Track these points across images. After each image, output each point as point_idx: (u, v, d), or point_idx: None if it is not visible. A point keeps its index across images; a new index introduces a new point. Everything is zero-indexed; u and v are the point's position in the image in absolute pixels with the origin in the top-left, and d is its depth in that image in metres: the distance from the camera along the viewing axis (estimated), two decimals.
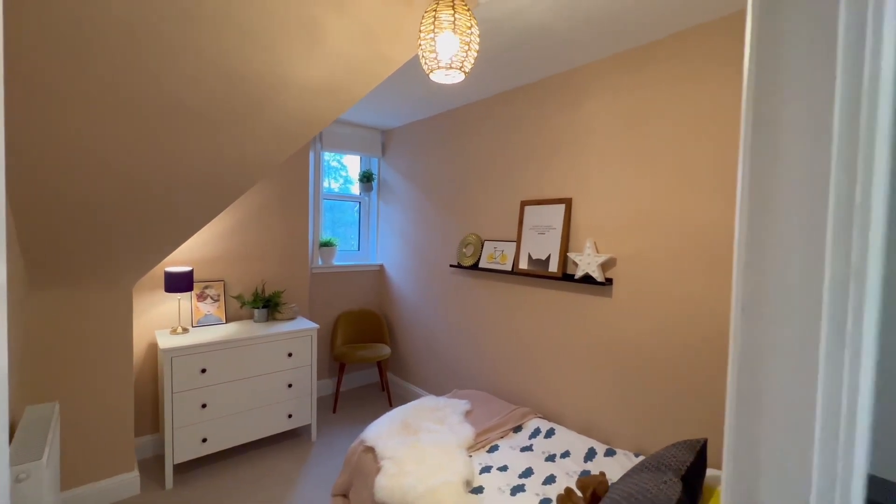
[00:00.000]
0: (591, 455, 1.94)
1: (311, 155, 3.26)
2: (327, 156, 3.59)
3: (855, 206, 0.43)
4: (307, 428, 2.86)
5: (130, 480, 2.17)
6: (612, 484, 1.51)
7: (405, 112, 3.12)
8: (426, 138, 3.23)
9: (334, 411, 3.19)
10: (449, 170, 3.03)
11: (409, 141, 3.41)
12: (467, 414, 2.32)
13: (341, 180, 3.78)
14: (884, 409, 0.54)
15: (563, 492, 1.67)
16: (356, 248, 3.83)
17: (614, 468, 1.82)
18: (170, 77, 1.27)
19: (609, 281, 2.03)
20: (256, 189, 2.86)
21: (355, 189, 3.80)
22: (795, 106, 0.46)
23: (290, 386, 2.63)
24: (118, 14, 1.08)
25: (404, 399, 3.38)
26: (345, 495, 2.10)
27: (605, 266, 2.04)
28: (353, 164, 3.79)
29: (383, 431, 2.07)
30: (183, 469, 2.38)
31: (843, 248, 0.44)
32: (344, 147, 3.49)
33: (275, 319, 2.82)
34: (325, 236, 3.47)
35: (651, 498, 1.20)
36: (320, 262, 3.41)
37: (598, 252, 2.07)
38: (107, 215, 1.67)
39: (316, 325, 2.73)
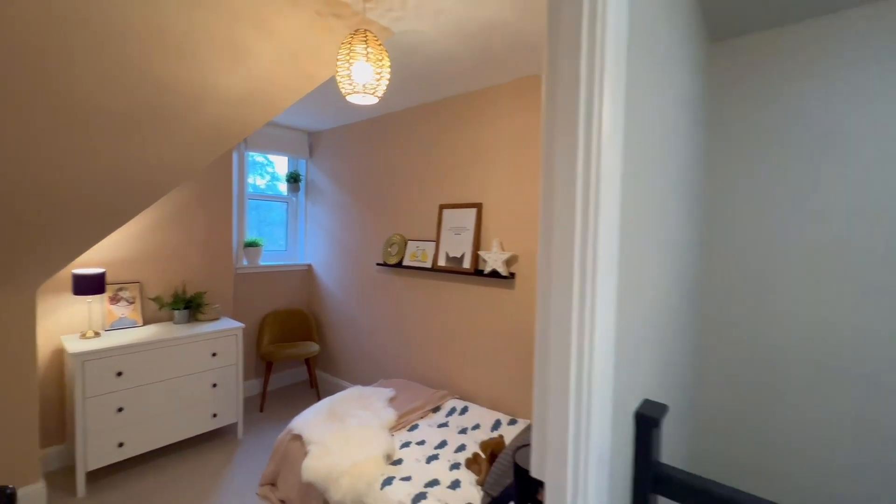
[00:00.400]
0: (497, 425, 2.25)
1: (235, 155, 3.25)
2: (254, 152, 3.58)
3: (589, 225, 0.71)
4: (233, 426, 2.88)
5: (35, 492, 2.08)
6: (508, 443, 1.82)
7: (332, 116, 3.24)
8: (353, 142, 3.38)
9: (261, 410, 3.22)
10: (374, 173, 3.21)
11: (336, 144, 3.53)
12: (391, 400, 2.52)
13: (268, 177, 3.77)
14: (620, 343, 0.84)
15: (470, 456, 1.95)
16: (284, 248, 3.85)
17: (514, 433, 2.14)
18: (89, 79, 1.32)
19: (512, 275, 2.35)
20: (176, 189, 2.81)
21: (282, 187, 3.82)
22: (562, 143, 0.74)
23: (214, 386, 2.64)
24: (46, 17, 1.13)
25: (333, 393, 3.49)
26: (272, 484, 2.21)
27: (509, 262, 2.37)
28: (280, 163, 3.81)
29: (310, 420, 2.21)
30: (98, 476, 2.31)
31: (586, 251, 0.72)
32: (270, 148, 3.51)
33: (197, 320, 2.80)
34: (250, 236, 3.47)
35: (523, 440, 1.50)
36: (245, 263, 3.41)
37: (503, 250, 2.39)
38: (10, 208, 1.62)
39: (241, 325, 2.77)
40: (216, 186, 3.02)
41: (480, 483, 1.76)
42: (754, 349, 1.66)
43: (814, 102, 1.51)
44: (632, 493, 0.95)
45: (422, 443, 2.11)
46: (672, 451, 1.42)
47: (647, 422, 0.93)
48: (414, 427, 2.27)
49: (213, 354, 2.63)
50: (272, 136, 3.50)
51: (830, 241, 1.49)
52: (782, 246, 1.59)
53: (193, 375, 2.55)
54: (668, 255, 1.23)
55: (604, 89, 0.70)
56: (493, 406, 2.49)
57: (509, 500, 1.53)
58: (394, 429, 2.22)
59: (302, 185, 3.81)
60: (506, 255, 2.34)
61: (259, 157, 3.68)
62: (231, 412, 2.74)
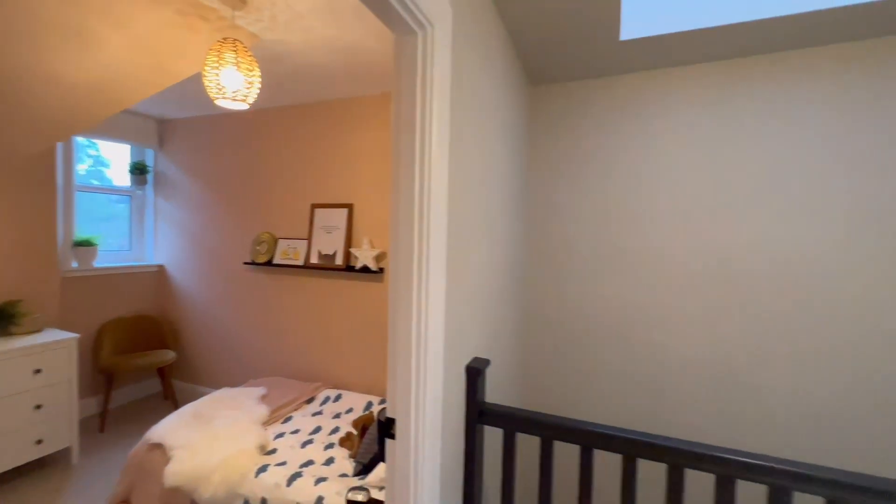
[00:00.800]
0: (368, 407, 2.48)
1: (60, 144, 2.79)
2: (81, 140, 3.09)
3: (423, 226, 1.00)
4: (66, 452, 2.51)
5: None
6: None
7: (189, 105, 3.03)
8: (215, 135, 3.20)
9: (102, 430, 2.85)
10: (241, 170, 3.11)
11: (194, 135, 3.29)
12: (263, 398, 2.54)
13: (90, 161, 3.24)
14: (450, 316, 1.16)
15: (343, 434, 2.14)
16: (127, 247, 3.41)
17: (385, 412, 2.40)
18: None
19: (381, 270, 2.60)
20: None
21: (112, 175, 3.38)
22: (403, 161, 1.01)
23: (38, 407, 2.29)
24: None
25: None
26: (125, 502, 2.06)
27: (378, 258, 2.61)
28: (119, 152, 3.35)
29: (172, 426, 2.12)
30: None
31: (422, 248, 1.00)
32: (108, 134, 3.09)
33: (11, 334, 2.37)
34: (81, 234, 3.01)
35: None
36: (75, 265, 2.95)
37: (373, 247, 2.62)
38: None
39: (74, 336, 2.44)
40: (33, 175, 2.57)
41: (353, 456, 1.97)
42: (562, 318, 2.21)
43: (601, 140, 2.10)
44: (465, 424, 1.29)
45: (296, 431, 2.21)
46: (506, 392, 1.85)
47: (473, 372, 1.28)
48: (288, 419, 2.35)
49: (37, 371, 2.28)
50: (111, 121, 3.08)
51: (614, 241, 2.10)
52: (580, 244, 2.16)
53: (9, 398, 2.17)
54: (493, 251, 1.62)
55: (433, 122, 1.00)
56: (366, 391, 2.70)
57: (378, 461, 1.78)
58: (267, 423, 2.27)
59: (150, 177, 3.43)
60: (375, 252, 2.58)
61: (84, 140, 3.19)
62: (62, 436, 2.40)
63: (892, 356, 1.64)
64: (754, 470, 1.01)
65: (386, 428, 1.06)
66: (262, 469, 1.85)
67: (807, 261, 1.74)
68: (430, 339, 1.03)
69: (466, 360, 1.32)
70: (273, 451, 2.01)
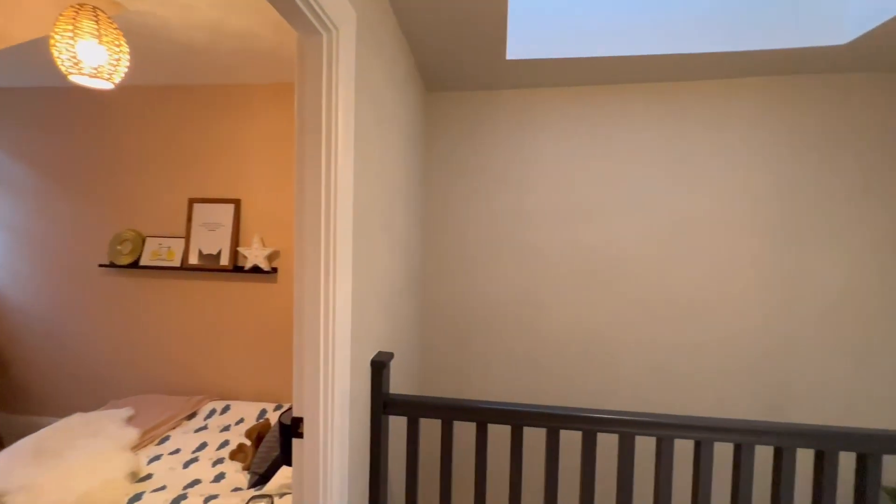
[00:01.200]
0: (262, 415, 2.34)
1: None
2: None
3: (330, 230, 1.02)
4: None
5: None
6: (274, 422, 1.97)
7: (15, 71, 2.47)
8: (56, 110, 2.66)
9: None
10: (95, 155, 2.64)
11: (24, 108, 2.68)
12: (130, 419, 2.23)
13: None
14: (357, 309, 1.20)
15: (235, 447, 2.00)
16: None
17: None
18: None
19: (275, 269, 2.47)
20: None
21: None
22: (308, 162, 1.01)
23: None
24: None
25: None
26: None
27: (271, 257, 2.47)
28: None
29: (5, 466, 1.74)
30: None
31: (329, 250, 1.02)
32: None
33: None
34: None
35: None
36: None
37: (265, 246, 2.47)
38: None
39: None
40: None
41: (247, 468, 1.86)
42: (458, 308, 2.37)
43: (493, 148, 2.29)
44: (370, 416, 1.33)
45: (176, 451, 2.00)
46: (409, 382, 1.93)
47: (378, 365, 1.33)
48: (165, 439, 2.10)
49: None
50: None
51: (504, 238, 2.32)
52: (474, 240, 2.34)
53: None
54: (395, 248, 1.69)
55: (338, 124, 1.02)
56: (258, 398, 2.54)
57: (277, 469, 1.71)
58: (138, 447, 2.00)
59: None
60: (267, 251, 2.43)
61: None
62: None
63: (706, 324, 2.14)
64: (610, 423, 1.25)
65: (293, 428, 1.06)
66: (137, 498, 1.64)
67: (645, 253, 2.16)
68: (338, 335, 1.06)
69: (372, 354, 1.37)
70: (148, 477, 1.79)
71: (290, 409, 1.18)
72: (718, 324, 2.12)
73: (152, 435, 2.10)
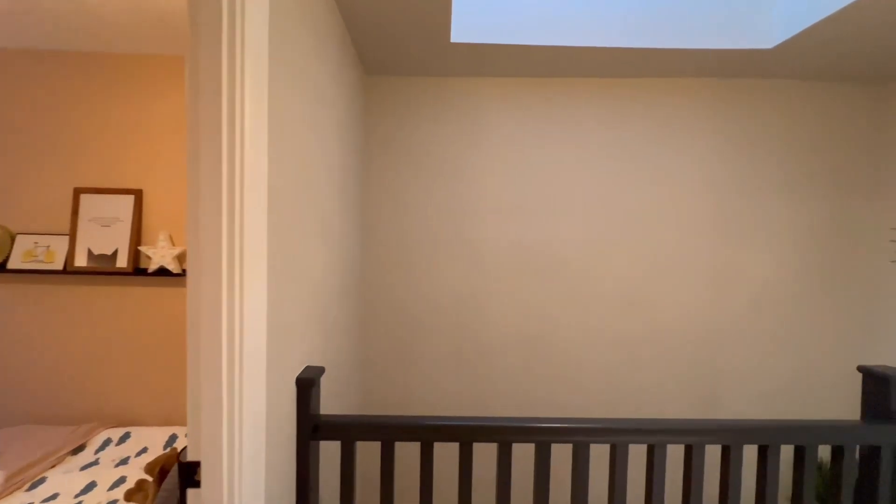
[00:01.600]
0: (172, 441, 2.01)
1: None
2: None
3: (235, 224, 0.81)
4: None
5: None
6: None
7: None
8: None
9: None
10: None
11: None
12: None
13: None
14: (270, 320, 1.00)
15: (133, 486, 1.67)
16: None
17: None
18: None
19: (185, 272, 2.13)
20: None
21: None
22: (205, 135, 0.80)
23: None
24: None
25: None
26: None
27: (180, 258, 2.13)
28: None
29: None
30: None
31: (233, 248, 0.81)
32: None
33: None
34: None
35: None
36: None
37: (173, 245, 2.13)
38: None
39: None
40: None
41: None
42: (397, 314, 2.20)
43: (434, 136, 2.15)
44: (297, 443, 1.13)
45: (53, 497, 1.63)
46: (346, 398, 1.73)
47: (305, 383, 1.13)
48: (39, 482, 1.71)
49: None
50: None
51: (447, 232, 2.18)
52: (417, 235, 2.18)
53: None
54: (329, 247, 1.48)
55: (245, 92, 0.82)
56: (165, 422, 2.18)
57: None
58: (1, 495, 1.61)
59: None
60: (177, 251, 2.09)
61: None
62: None
63: (646, 319, 2.16)
64: (563, 433, 1.17)
65: (188, 474, 0.84)
66: None
67: (586, 251, 2.14)
68: (248, 351, 0.86)
69: (298, 371, 1.16)
70: None
71: None
72: (657, 318, 2.16)
73: (22, 478, 1.70)
